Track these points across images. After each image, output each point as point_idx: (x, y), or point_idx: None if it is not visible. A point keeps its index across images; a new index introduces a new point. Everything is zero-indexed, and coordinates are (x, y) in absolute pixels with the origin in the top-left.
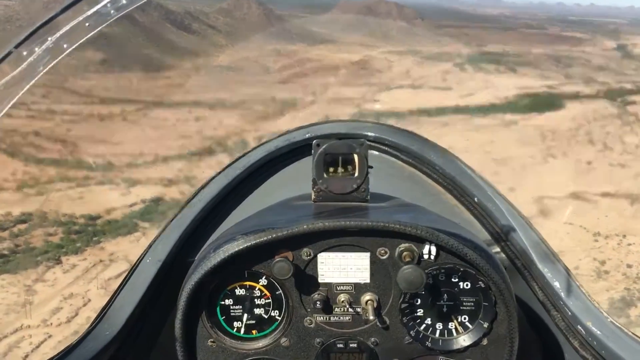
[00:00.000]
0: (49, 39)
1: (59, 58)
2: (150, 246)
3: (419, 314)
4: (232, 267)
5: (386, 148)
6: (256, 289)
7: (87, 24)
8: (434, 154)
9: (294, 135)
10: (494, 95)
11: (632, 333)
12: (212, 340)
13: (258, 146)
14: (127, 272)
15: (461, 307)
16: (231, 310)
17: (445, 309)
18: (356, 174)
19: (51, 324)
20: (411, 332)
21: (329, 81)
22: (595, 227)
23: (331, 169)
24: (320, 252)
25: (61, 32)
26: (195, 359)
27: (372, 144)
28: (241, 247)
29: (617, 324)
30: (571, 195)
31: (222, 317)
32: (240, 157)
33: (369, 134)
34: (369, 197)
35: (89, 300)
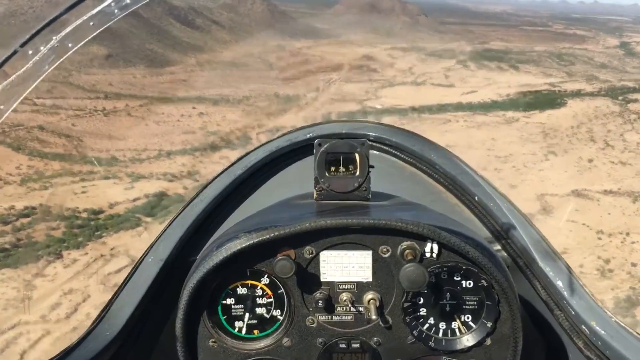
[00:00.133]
0: (54, 38)
1: (65, 57)
2: (152, 245)
3: (421, 313)
4: (234, 265)
5: (387, 148)
6: (258, 287)
7: (91, 23)
8: (435, 154)
9: (295, 135)
10: (496, 92)
11: (637, 333)
12: (213, 340)
13: (260, 146)
14: (128, 272)
15: (464, 306)
16: (233, 310)
17: (448, 308)
18: (357, 173)
19: (50, 319)
20: (414, 332)
21: (332, 77)
22: (598, 225)
23: (333, 168)
24: (322, 250)
25: (66, 31)
26: (196, 359)
27: (373, 143)
28: (243, 245)
29: (622, 324)
30: (573, 193)
31: (223, 316)
32: (242, 157)
33: (370, 133)
34: (370, 195)
35: (89, 296)
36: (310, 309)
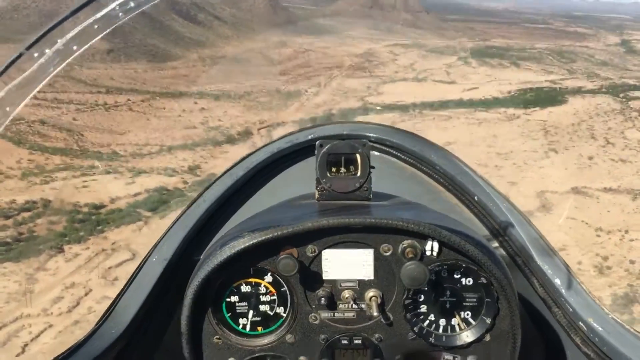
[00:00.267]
0: (59, 40)
1: (69, 60)
2: (155, 245)
3: (422, 310)
4: (238, 264)
5: (387, 148)
6: (261, 285)
7: (96, 26)
8: (434, 154)
9: (297, 137)
10: (497, 89)
11: (634, 329)
12: (217, 337)
13: (262, 147)
14: (133, 271)
15: (464, 303)
16: (237, 307)
17: (448, 305)
18: (359, 174)
19: (51, 313)
20: (415, 328)
21: (333, 73)
22: (597, 222)
23: (334, 169)
24: (324, 248)
25: (71, 34)
26: (201, 355)
27: (374, 144)
28: (247, 244)
29: (619, 321)
30: (573, 190)
31: (227, 313)
32: (244, 158)
33: (371, 134)
34: (371, 195)
35: (90, 290)
36: (313, 306)
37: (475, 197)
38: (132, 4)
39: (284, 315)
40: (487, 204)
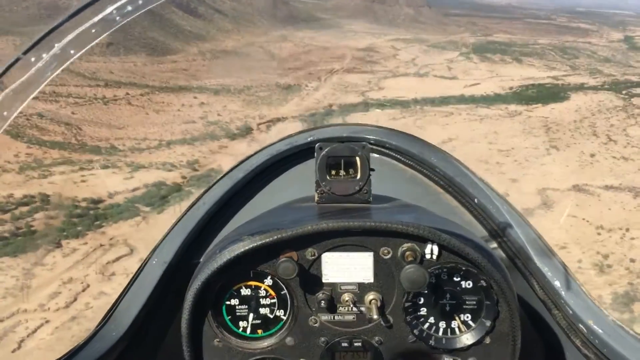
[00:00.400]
0: (56, 45)
1: (66, 64)
2: (155, 248)
3: (422, 312)
4: (237, 267)
5: (387, 151)
6: (261, 288)
7: (93, 30)
8: (434, 156)
9: (296, 139)
10: (498, 85)
11: (633, 331)
12: (218, 339)
13: (261, 150)
14: (133, 274)
15: (464, 306)
16: (237, 310)
17: (448, 308)
18: (358, 176)
19: (48, 308)
20: (415, 331)
21: (334, 67)
22: (598, 220)
23: (334, 172)
24: (324, 252)
25: (68, 38)
26: (202, 358)
27: (374, 147)
28: (247, 248)
29: (618, 323)
30: (574, 188)
31: (228, 316)
32: (243, 161)
33: (370, 137)
34: (371, 198)
35: (88, 285)
36: (313, 309)
37: (475, 200)
38: (129, 8)
39: (284, 318)
40: (487, 205)
